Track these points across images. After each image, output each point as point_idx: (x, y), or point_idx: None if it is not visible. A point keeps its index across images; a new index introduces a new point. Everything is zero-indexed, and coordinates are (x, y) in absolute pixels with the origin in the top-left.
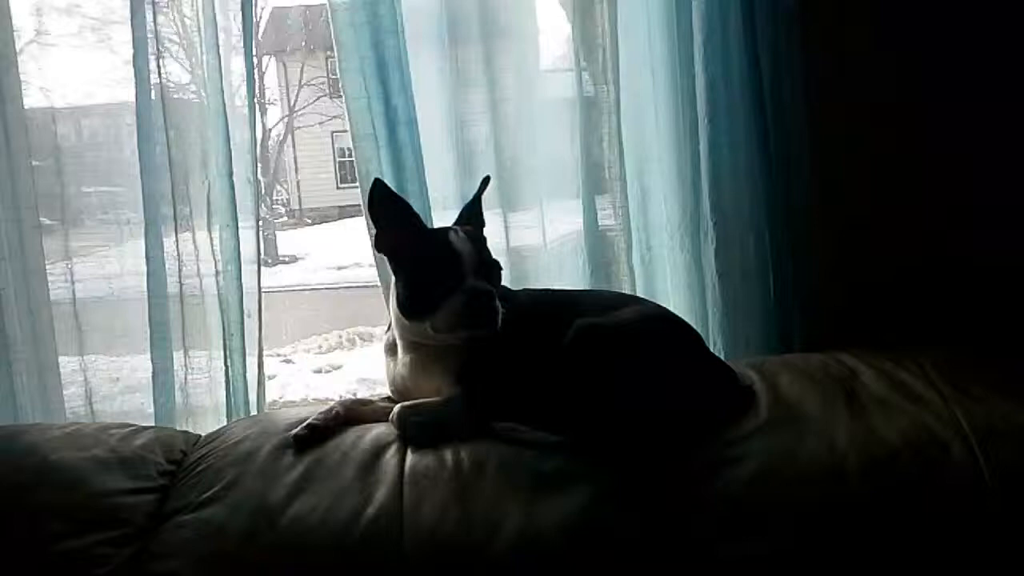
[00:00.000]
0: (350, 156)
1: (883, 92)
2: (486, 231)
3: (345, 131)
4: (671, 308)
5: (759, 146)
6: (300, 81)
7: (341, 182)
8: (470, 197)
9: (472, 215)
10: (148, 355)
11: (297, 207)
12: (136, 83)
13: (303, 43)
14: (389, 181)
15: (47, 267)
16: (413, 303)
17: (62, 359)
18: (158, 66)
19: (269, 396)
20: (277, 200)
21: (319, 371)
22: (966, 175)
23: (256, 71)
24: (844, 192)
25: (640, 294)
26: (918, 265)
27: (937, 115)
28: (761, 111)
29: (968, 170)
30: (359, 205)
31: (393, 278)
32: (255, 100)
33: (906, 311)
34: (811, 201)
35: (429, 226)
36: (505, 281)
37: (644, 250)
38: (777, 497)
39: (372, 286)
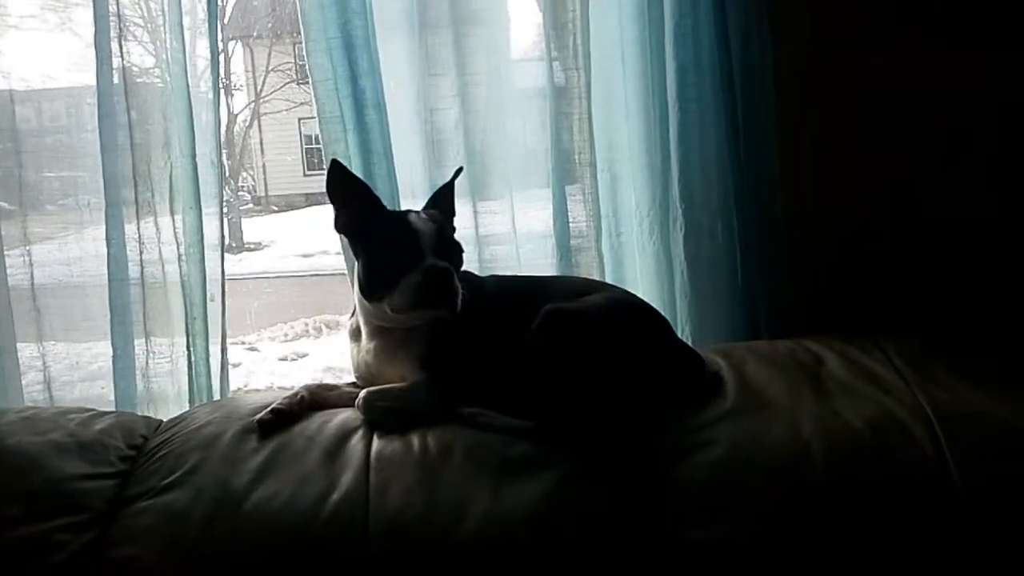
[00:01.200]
0: (317, 143)
1: (854, 78)
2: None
3: (313, 118)
4: (640, 295)
5: (728, 132)
6: (267, 67)
7: (308, 169)
8: (438, 185)
9: (441, 202)
10: (109, 341)
11: (263, 194)
12: (97, 64)
13: (269, 26)
14: (357, 165)
15: (5, 251)
16: (372, 282)
17: (20, 345)
18: (120, 48)
19: (234, 384)
20: (243, 187)
21: (284, 359)
22: (941, 164)
23: (222, 55)
24: (813, 179)
25: (609, 281)
26: (886, 253)
27: (910, 101)
28: (731, 97)
29: (944, 160)
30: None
31: (355, 261)
32: (220, 82)
33: (871, 299)
34: (780, 188)
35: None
36: (473, 268)
37: (613, 237)
38: (744, 482)
39: (339, 274)
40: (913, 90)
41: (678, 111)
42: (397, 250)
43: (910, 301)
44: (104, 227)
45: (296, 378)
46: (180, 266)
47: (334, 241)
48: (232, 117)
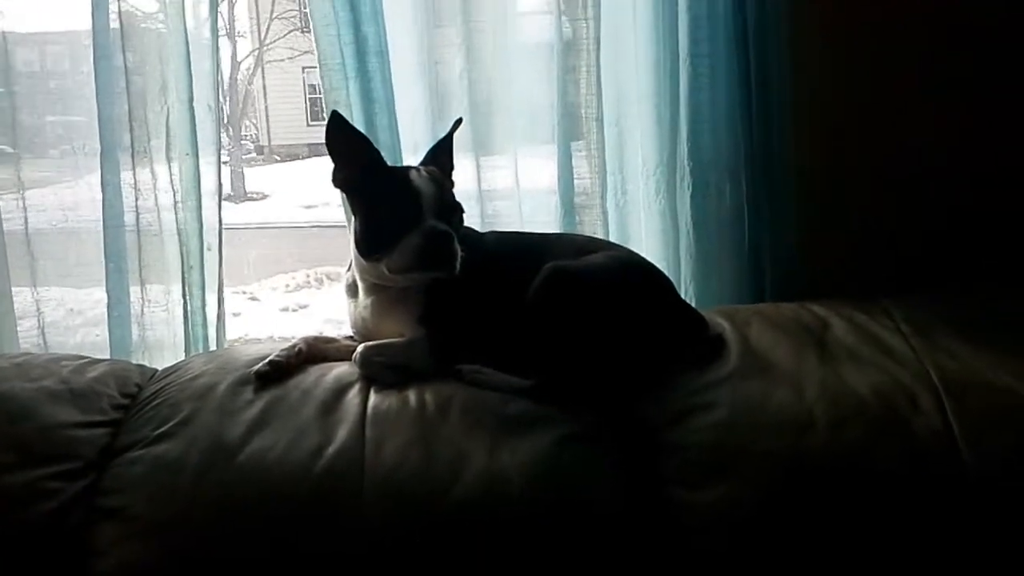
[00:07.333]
0: (321, 93)
1: (869, 35)
2: (456, 173)
3: (316, 66)
4: (644, 255)
5: (741, 89)
6: (271, 14)
7: (311, 119)
8: (440, 137)
9: (440, 156)
10: (104, 288)
11: (266, 143)
12: (93, 5)
13: None
14: (358, 113)
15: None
16: (369, 241)
17: (15, 291)
18: None
19: (234, 334)
20: (246, 136)
21: (285, 310)
22: (959, 124)
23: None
24: (825, 141)
25: (613, 240)
26: (899, 218)
27: (929, 57)
28: (744, 52)
29: (960, 119)
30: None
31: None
32: (218, 25)
33: (881, 265)
34: (791, 148)
35: (392, 163)
36: (475, 224)
37: (619, 195)
38: (745, 445)
39: (341, 226)
40: (930, 42)
41: (689, 65)
42: (397, 210)
43: (921, 267)
44: (100, 172)
45: (297, 329)
46: (176, 214)
47: (336, 193)
48: (235, 64)
